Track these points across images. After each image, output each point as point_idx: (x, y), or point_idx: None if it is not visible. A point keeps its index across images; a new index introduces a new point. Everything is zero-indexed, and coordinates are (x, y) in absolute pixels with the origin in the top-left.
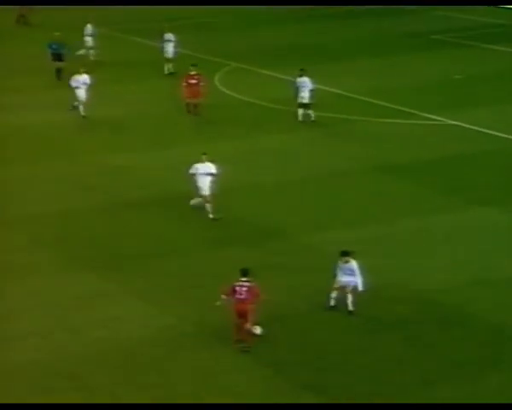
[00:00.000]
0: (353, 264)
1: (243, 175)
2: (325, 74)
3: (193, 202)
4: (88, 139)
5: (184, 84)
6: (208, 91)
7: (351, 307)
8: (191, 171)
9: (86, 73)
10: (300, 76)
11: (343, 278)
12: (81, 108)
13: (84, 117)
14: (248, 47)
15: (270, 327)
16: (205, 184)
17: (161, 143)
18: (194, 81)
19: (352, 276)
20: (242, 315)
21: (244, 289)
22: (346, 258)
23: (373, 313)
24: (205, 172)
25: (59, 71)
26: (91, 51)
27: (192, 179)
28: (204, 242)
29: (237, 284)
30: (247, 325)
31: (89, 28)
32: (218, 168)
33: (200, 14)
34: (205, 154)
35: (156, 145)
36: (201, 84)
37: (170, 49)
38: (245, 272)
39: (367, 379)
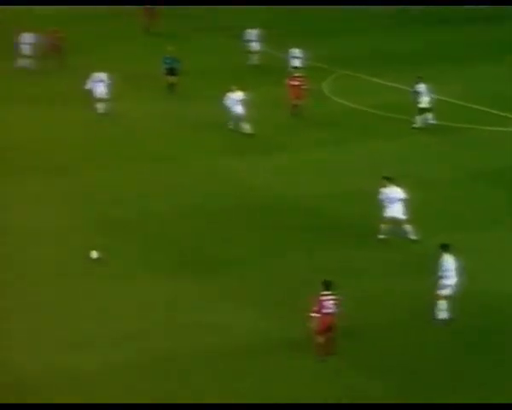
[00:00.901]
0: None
1: (347, 180)
2: (434, 81)
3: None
4: (197, 143)
5: (288, 85)
6: (312, 95)
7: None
8: (381, 196)
9: (240, 89)
10: (418, 83)
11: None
12: (242, 125)
13: (251, 135)
14: (355, 53)
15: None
16: (396, 209)
17: (268, 147)
18: (296, 83)
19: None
20: (330, 329)
21: (331, 302)
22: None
23: (470, 321)
24: (396, 198)
25: (172, 85)
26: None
27: (381, 205)
28: (299, 246)
29: (324, 298)
30: (331, 337)
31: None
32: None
33: (306, 19)
34: (389, 178)
35: (263, 150)
36: (304, 86)
37: (297, 62)
38: (328, 285)
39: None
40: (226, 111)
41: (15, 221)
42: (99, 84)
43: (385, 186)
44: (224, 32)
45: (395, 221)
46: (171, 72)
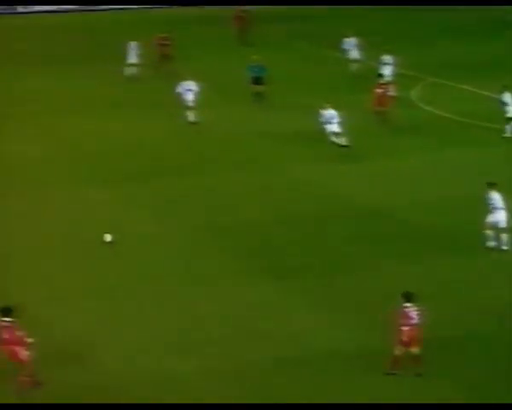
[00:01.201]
0: None
1: (438, 188)
2: None
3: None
4: (285, 151)
5: (375, 92)
6: (400, 102)
7: None
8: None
9: (331, 106)
10: (503, 91)
11: None
12: (340, 139)
13: (347, 146)
14: (445, 60)
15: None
16: (499, 217)
17: (358, 155)
18: (381, 90)
19: None
20: (412, 342)
21: (414, 314)
22: None
23: None
24: (499, 205)
25: (258, 94)
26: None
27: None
28: (382, 257)
29: (406, 309)
30: (416, 350)
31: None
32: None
33: (404, 25)
34: (492, 184)
35: (353, 158)
36: (389, 93)
37: (386, 71)
38: (409, 297)
39: None
40: (321, 127)
41: (119, 226)
42: (188, 92)
43: (489, 192)
44: (317, 39)
45: (496, 228)
46: (257, 81)
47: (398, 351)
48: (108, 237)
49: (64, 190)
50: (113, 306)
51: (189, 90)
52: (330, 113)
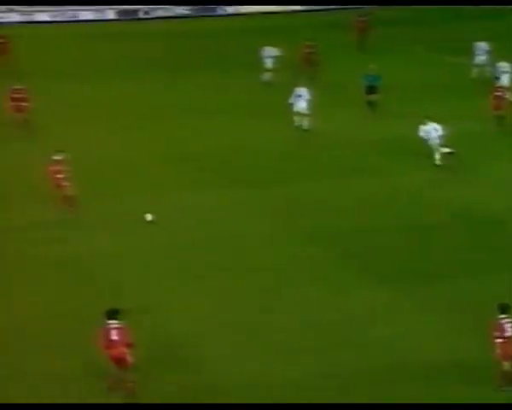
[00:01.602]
0: None
1: None
2: None
3: None
4: (394, 158)
5: (492, 96)
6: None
7: None
8: None
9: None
10: None
11: None
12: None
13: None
14: None
15: None
16: None
17: (469, 161)
18: (498, 94)
19: None
20: (506, 356)
21: (509, 326)
22: None
23: None
24: None
25: (371, 103)
26: (269, 75)
27: None
28: (491, 265)
29: (502, 321)
30: (508, 366)
31: (267, 50)
32: None
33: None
34: None
35: (467, 163)
36: (505, 96)
37: (505, 80)
38: (504, 309)
39: None
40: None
41: (226, 230)
42: (299, 99)
43: None
44: (433, 44)
45: None
46: (372, 89)
47: (502, 366)
48: (149, 217)
49: (172, 193)
50: (221, 308)
51: (299, 96)
52: (431, 127)
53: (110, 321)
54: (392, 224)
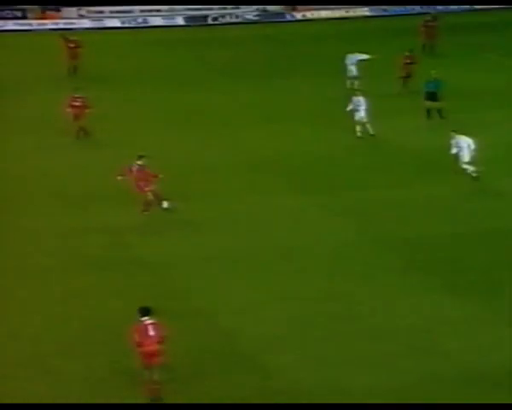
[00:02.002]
0: None
1: None
2: None
3: None
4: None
5: None
6: None
7: None
8: None
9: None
10: None
11: None
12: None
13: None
14: None
15: None
16: None
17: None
18: None
19: None
20: None
21: None
22: None
23: None
24: None
25: (429, 111)
26: (355, 82)
27: None
28: None
29: None
30: None
31: (351, 57)
32: None
33: None
34: None
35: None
36: None
37: None
38: None
39: None
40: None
41: (298, 236)
42: (358, 108)
43: None
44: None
45: None
46: (432, 97)
47: None
48: (165, 204)
49: (247, 198)
50: (298, 316)
51: (358, 106)
52: (460, 140)
53: (144, 318)
54: (457, 231)
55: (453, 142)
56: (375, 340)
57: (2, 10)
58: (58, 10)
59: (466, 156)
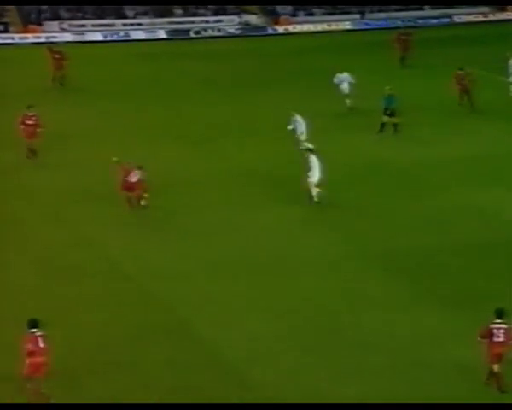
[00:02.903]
0: None
1: None
2: None
3: None
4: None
5: None
6: None
7: None
8: None
9: None
10: None
11: None
12: None
13: None
14: None
15: None
16: None
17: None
18: None
19: None
20: (498, 358)
21: (501, 331)
22: None
23: None
24: None
25: (383, 126)
26: (347, 101)
27: None
28: None
29: (494, 326)
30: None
31: (344, 75)
32: None
33: None
34: None
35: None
36: None
37: None
38: (500, 314)
39: None
40: None
41: (289, 251)
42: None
43: None
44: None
45: None
46: (388, 112)
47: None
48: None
49: (241, 211)
50: (283, 328)
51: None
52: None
53: (33, 330)
54: (461, 242)
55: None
56: (360, 352)
57: None
58: (40, 24)
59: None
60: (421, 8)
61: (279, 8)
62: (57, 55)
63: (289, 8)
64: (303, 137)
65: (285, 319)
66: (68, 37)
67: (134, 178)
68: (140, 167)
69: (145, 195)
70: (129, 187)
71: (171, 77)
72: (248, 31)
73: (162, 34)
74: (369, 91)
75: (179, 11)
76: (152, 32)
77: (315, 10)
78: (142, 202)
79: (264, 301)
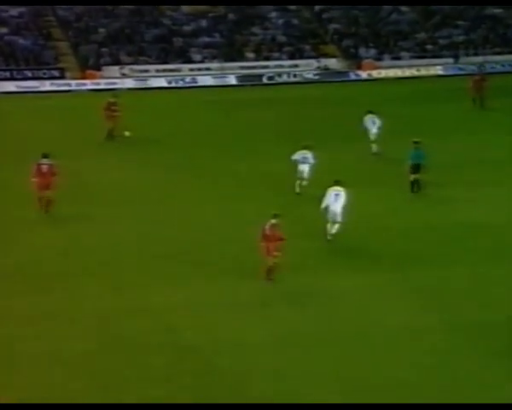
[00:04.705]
0: None
1: None
2: None
3: None
4: None
5: None
6: None
7: None
8: None
9: None
10: None
11: None
12: None
13: None
14: None
15: None
16: None
17: None
18: None
19: None
20: None
21: None
22: None
23: None
24: None
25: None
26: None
27: None
28: None
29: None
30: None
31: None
32: None
33: None
34: None
35: None
36: None
37: None
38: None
39: None
40: None
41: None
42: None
43: None
44: None
45: None
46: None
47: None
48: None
49: None
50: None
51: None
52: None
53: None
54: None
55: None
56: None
57: (39, 70)
58: (99, 69)
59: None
60: None
61: (362, 52)
62: (111, 106)
63: (373, 52)
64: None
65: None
66: (130, 83)
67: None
68: (276, 215)
69: None
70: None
71: (241, 127)
72: (328, 76)
73: (232, 80)
74: None
75: (251, 55)
76: (221, 78)
77: (402, 54)
78: None
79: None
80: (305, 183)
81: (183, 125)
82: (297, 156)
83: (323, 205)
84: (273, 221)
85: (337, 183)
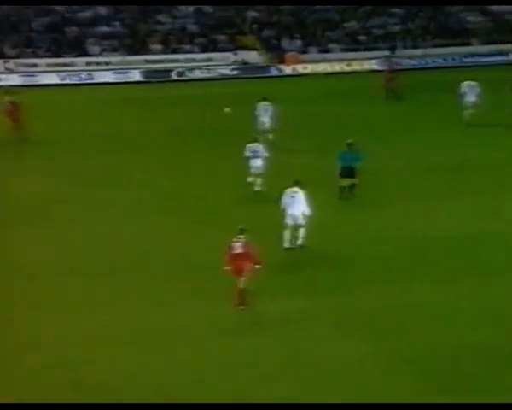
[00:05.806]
0: None
1: None
2: None
3: None
4: None
5: None
6: None
7: None
8: None
9: None
10: None
11: None
12: None
13: None
14: None
15: None
16: None
17: None
18: None
19: None
20: None
21: None
22: None
23: None
24: None
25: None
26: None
27: None
28: None
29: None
30: None
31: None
32: None
33: None
34: None
35: None
36: None
37: None
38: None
39: None
40: None
41: None
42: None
43: None
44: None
45: None
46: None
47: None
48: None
49: None
50: None
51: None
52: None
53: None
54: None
55: None
56: None
57: None
58: None
59: None
60: (469, 44)
61: (285, 44)
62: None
63: (298, 44)
64: None
65: None
66: (15, 79)
67: None
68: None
69: None
70: None
71: (146, 128)
72: (246, 71)
73: (136, 76)
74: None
75: (157, 47)
76: (123, 73)
77: (331, 46)
78: None
79: None
80: (259, 180)
81: (78, 128)
82: (247, 153)
83: (281, 207)
84: (241, 237)
85: (296, 183)
